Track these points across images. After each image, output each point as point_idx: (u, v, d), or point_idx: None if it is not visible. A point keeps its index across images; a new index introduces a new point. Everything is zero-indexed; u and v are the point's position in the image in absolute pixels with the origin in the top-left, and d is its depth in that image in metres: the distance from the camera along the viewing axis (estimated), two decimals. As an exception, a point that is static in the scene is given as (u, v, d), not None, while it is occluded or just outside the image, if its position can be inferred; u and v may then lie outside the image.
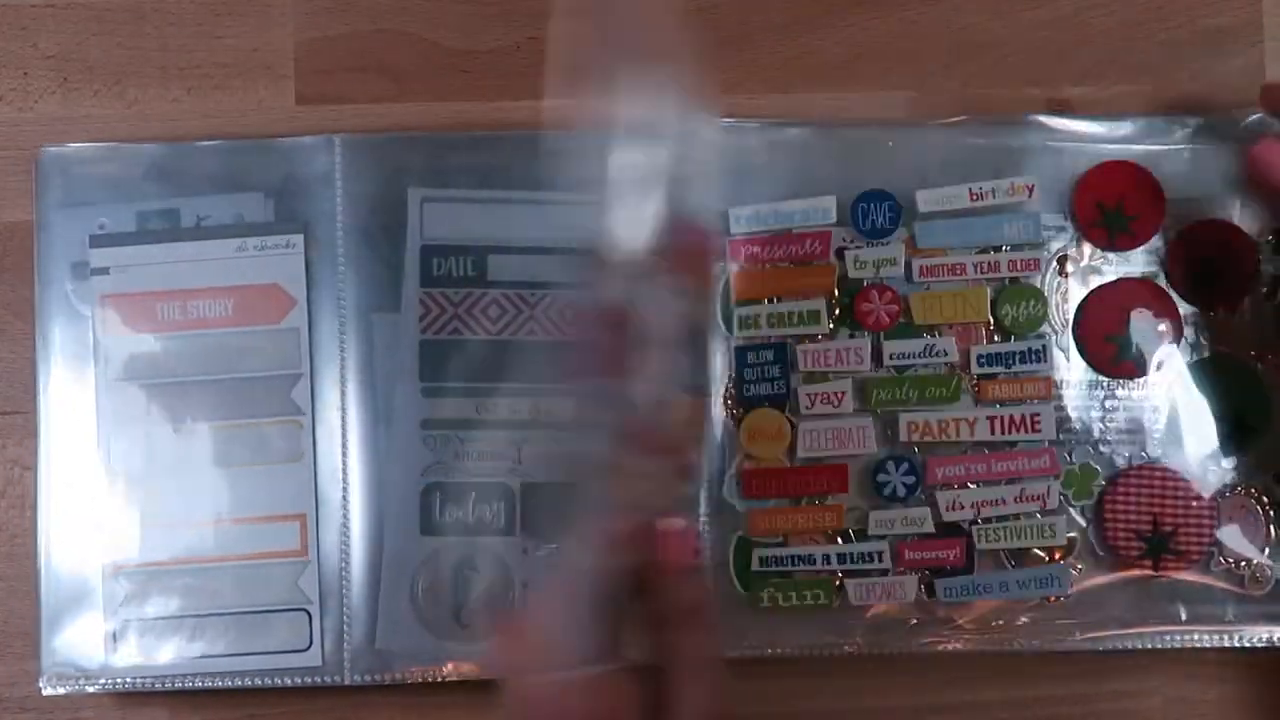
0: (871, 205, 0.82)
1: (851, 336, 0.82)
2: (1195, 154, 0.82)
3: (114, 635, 0.79)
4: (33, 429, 0.81)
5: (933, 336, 0.82)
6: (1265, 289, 0.82)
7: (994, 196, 0.82)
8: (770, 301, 0.82)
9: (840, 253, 0.82)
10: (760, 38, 0.85)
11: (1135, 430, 0.82)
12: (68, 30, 0.85)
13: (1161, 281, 0.82)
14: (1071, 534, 0.81)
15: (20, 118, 0.85)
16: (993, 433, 0.81)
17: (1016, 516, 0.81)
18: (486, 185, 0.82)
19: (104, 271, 0.81)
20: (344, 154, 0.82)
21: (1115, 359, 0.81)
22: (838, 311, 0.82)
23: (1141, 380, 0.82)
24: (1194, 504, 0.81)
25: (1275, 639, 0.80)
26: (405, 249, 0.82)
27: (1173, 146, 0.82)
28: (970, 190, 0.82)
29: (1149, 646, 0.81)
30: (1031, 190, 0.82)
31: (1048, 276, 0.82)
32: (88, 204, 0.82)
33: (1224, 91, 0.84)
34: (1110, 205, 0.82)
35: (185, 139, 0.83)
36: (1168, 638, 0.81)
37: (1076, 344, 0.82)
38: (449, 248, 0.82)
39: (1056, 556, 0.81)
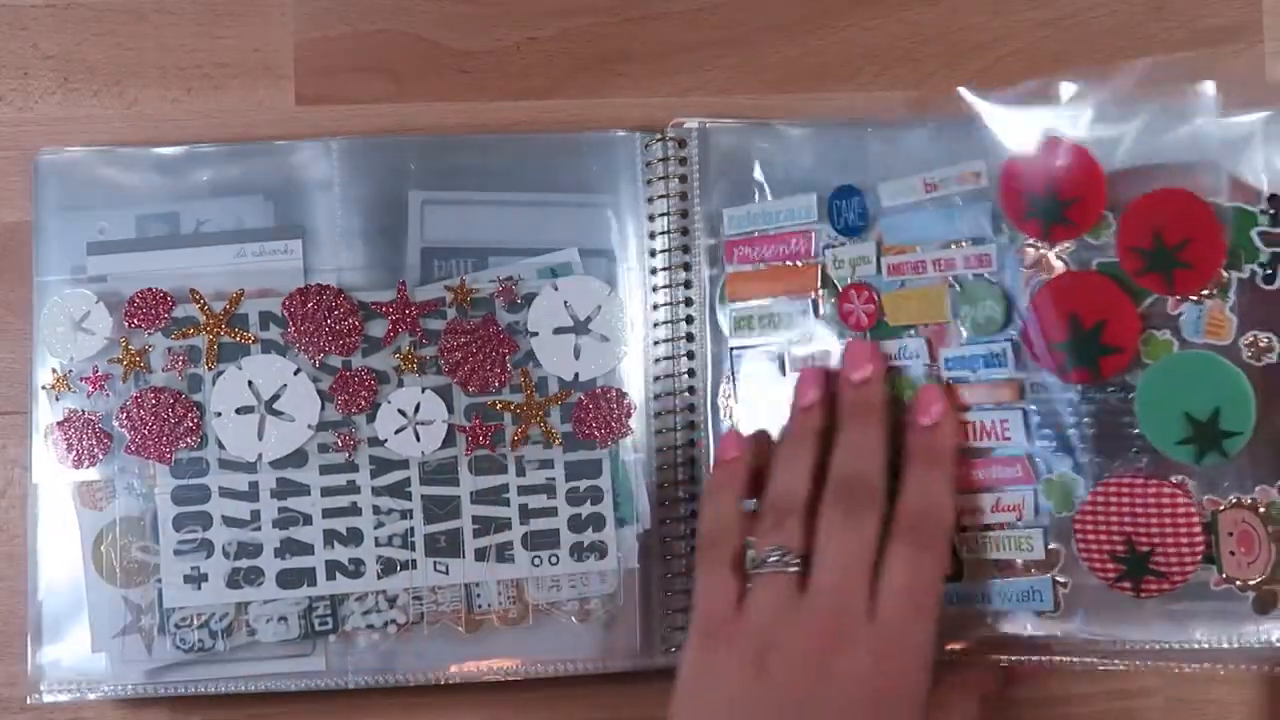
0: (844, 202, 0.80)
1: (840, 336, 0.80)
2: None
3: (113, 638, 0.80)
4: (31, 430, 0.81)
5: (908, 337, 0.78)
6: (1261, 268, 0.72)
7: (947, 185, 0.77)
8: (760, 301, 0.82)
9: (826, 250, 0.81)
10: (760, 38, 0.85)
11: (1111, 438, 0.74)
12: (68, 30, 0.85)
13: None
14: (1055, 546, 0.75)
15: (20, 118, 0.85)
16: (966, 439, 0.76)
17: (999, 526, 0.76)
18: (487, 187, 0.82)
19: (101, 279, 0.81)
20: (342, 157, 0.82)
21: (1066, 366, 0.74)
22: (824, 311, 0.80)
23: (1114, 381, 0.74)
24: (1171, 520, 0.73)
25: (1275, 639, 0.80)
26: (406, 251, 0.82)
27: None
28: (924, 181, 0.78)
29: (1150, 640, 0.81)
30: (979, 175, 0.76)
31: (1009, 272, 0.76)
32: (87, 208, 0.82)
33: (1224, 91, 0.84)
34: (1040, 192, 0.75)
35: (185, 139, 0.83)
36: (1169, 636, 0.81)
37: (1029, 350, 0.76)
38: (450, 250, 0.82)
39: (1037, 570, 0.76)
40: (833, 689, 0.67)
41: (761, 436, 0.78)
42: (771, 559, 0.71)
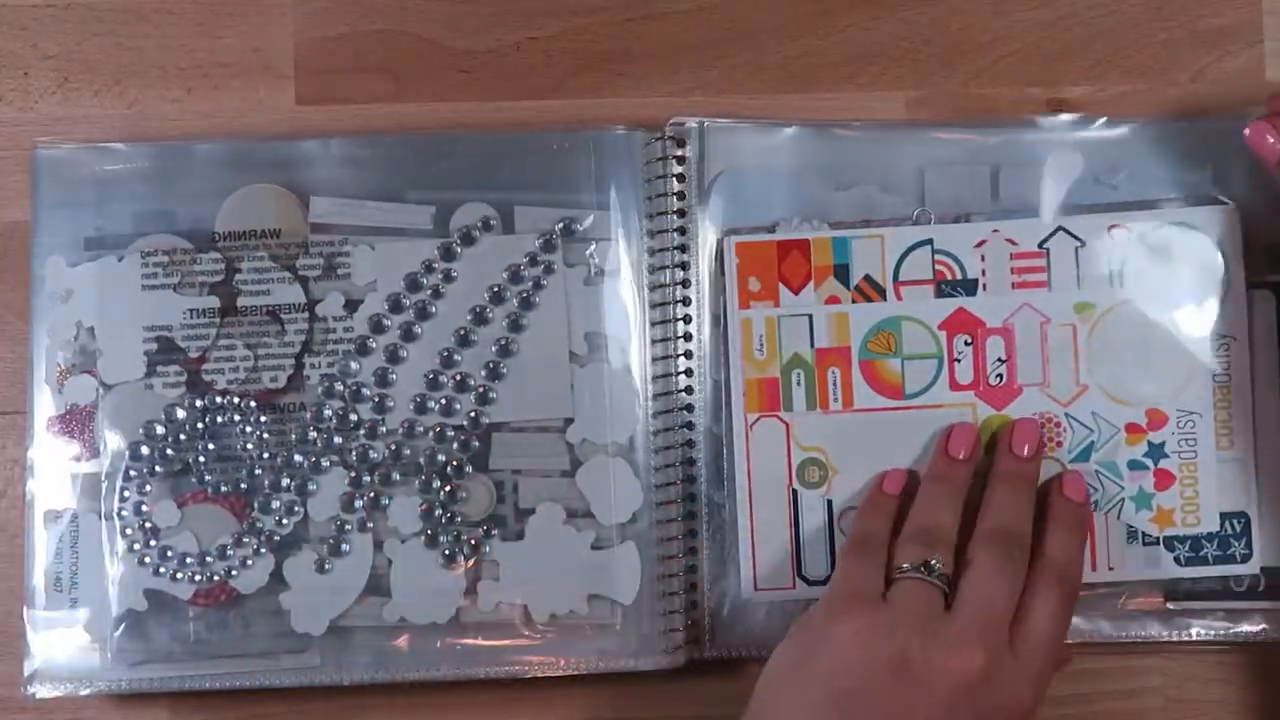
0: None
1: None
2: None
3: (111, 637, 0.80)
4: (31, 429, 0.81)
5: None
6: None
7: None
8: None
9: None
10: (760, 38, 0.85)
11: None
12: (68, 30, 0.85)
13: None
14: None
15: (20, 118, 0.85)
16: None
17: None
18: (486, 186, 0.82)
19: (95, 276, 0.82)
20: (342, 155, 0.82)
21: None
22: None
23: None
24: None
25: (1274, 639, 0.81)
26: (404, 249, 0.83)
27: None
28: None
29: (1148, 638, 0.81)
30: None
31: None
32: (83, 205, 0.82)
33: (1224, 91, 0.84)
34: None
35: (185, 139, 0.83)
36: (1166, 633, 0.81)
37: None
38: (448, 247, 0.83)
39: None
40: (969, 713, 0.70)
41: (913, 478, 0.80)
42: (921, 566, 0.73)
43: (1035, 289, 0.81)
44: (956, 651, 0.70)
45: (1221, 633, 0.81)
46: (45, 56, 0.85)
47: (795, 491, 0.81)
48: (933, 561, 0.73)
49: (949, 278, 0.81)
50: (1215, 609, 0.81)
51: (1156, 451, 0.81)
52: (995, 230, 0.81)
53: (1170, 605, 0.81)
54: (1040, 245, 0.81)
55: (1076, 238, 0.81)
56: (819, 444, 0.81)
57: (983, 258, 0.81)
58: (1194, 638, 0.81)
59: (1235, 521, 0.81)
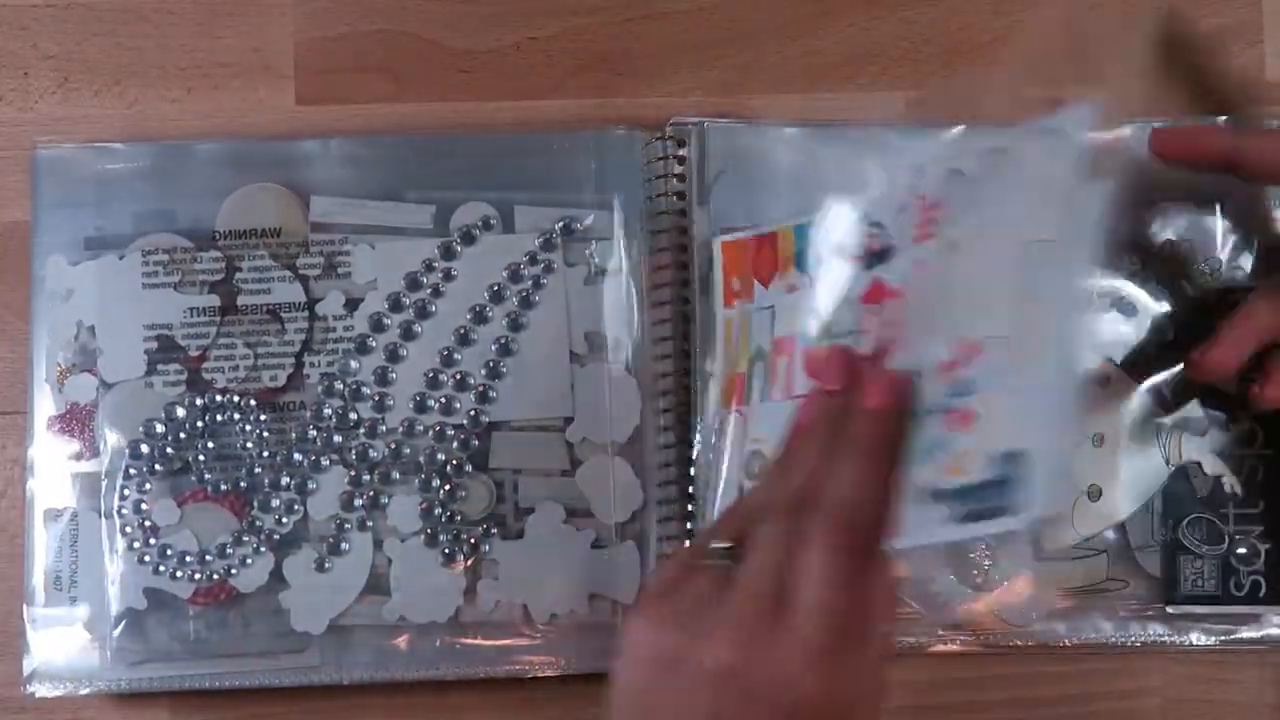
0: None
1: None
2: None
3: (111, 635, 0.80)
4: (31, 429, 0.81)
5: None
6: None
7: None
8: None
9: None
10: (760, 38, 0.85)
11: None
12: (68, 30, 0.85)
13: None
14: None
15: (20, 118, 0.85)
16: None
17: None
18: (486, 186, 0.82)
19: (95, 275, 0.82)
20: (342, 155, 0.82)
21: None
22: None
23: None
24: None
25: (1275, 638, 0.81)
26: (406, 250, 0.83)
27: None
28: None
29: (1149, 640, 0.81)
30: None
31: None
32: (83, 205, 0.82)
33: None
34: None
35: (185, 139, 0.83)
36: (1166, 637, 0.81)
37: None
38: (448, 248, 0.83)
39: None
40: (736, 702, 0.60)
41: None
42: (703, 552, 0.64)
43: (926, 241, 0.68)
44: (710, 641, 0.59)
45: (1222, 638, 0.81)
46: (45, 56, 0.85)
47: (742, 487, 0.78)
48: (709, 545, 0.63)
49: (875, 249, 0.71)
50: (1217, 614, 0.81)
51: (964, 388, 0.63)
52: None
53: (1170, 610, 0.81)
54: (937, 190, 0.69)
55: (959, 172, 0.70)
56: (763, 434, 0.76)
57: (899, 221, 0.71)
58: (1193, 643, 0.81)
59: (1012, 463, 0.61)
